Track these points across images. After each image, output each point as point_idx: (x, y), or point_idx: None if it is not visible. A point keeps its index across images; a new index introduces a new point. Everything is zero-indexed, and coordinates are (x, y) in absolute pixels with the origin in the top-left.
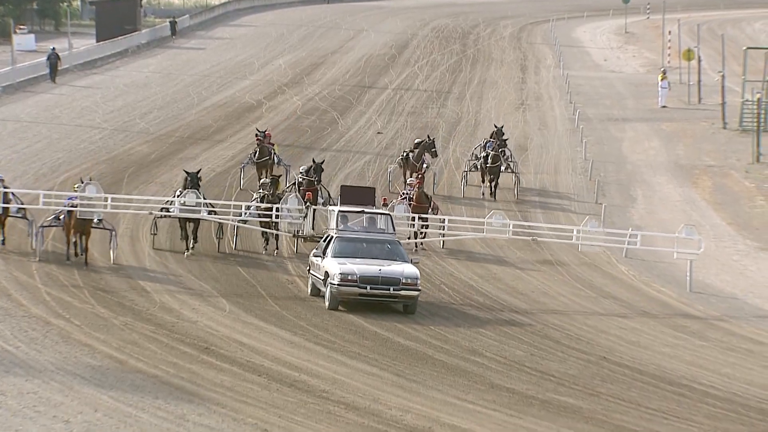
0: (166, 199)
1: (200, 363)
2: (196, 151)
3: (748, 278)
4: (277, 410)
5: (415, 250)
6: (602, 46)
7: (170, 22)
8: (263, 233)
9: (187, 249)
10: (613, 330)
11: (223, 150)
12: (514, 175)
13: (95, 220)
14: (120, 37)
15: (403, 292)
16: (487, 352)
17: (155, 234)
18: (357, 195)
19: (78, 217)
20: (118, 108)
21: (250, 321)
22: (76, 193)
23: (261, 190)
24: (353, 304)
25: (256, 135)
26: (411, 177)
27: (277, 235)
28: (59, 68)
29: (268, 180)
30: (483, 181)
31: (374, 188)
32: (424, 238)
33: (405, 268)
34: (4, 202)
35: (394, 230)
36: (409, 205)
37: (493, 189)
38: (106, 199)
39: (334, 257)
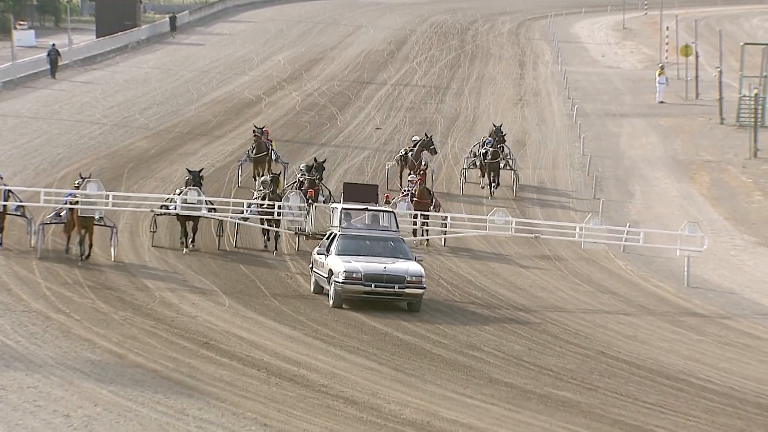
0: (167, 196)
1: (200, 357)
2: (196, 146)
3: (745, 273)
4: (276, 404)
5: (419, 244)
6: (600, 42)
7: (170, 18)
8: (264, 231)
9: (186, 246)
10: (610, 325)
11: (222, 145)
12: (513, 173)
13: (96, 218)
14: (120, 33)
15: (408, 290)
16: (486, 346)
17: (154, 231)
18: (360, 192)
19: (79, 214)
20: (117, 103)
21: (250, 316)
22: (76, 191)
23: (261, 188)
24: (354, 300)
25: (254, 132)
26: (410, 174)
27: (277, 234)
28: (59, 64)
29: (268, 178)
30: (482, 177)
31: (377, 185)
32: (424, 235)
33: (410, 266)
34: (3, 200)
35: (398, 227)
36: (412, 201)
37: (493, 186)
38: (107, 197)
39: (338, 255)
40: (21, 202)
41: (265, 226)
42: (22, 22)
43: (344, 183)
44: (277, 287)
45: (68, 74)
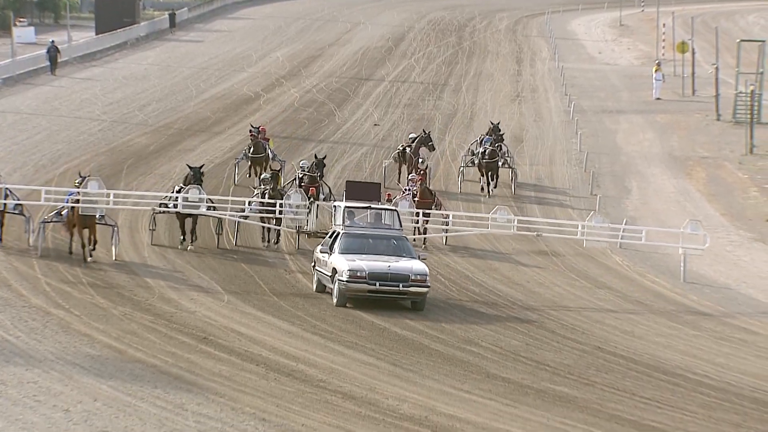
0: (168, 194)
1: (199, 353)
2: (195, 142)
3: (741, 269)
4: (274, 399)
5: (423, 247)
6: (597, 39)
7: (169, 14)
8: (263, 229)
9: (183, 243)
10: (607, 320)
11: (221, 142)
12: (511, 171)
13: (97, 216)
14: (119, 30)
15: (412, 289)
16: (483, 342)
17: (153, 229)
18: (362, 190)
19: (80, 213)
20: (117, 100)
21: (248, 311)
22: (77, 189)
23: (262, 186)
24: (357, 299)
25: (250, 131)
26: (411, 173)
27: (278, 232)
28: (59, 61)
29: (268, 175)
30: (482, 176)
31: (380, 184)
32: (426, 233)
33: (414, 265)
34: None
35: (401, 226)
36: (413, 201)
37: (491, 184)
38: (108, 195)
39: (342, 253)
40: (19, 200)
41: (265, 224)
42: (21, 19)
43: (347, 181)
44: (276, 283)
45: (68, 71)
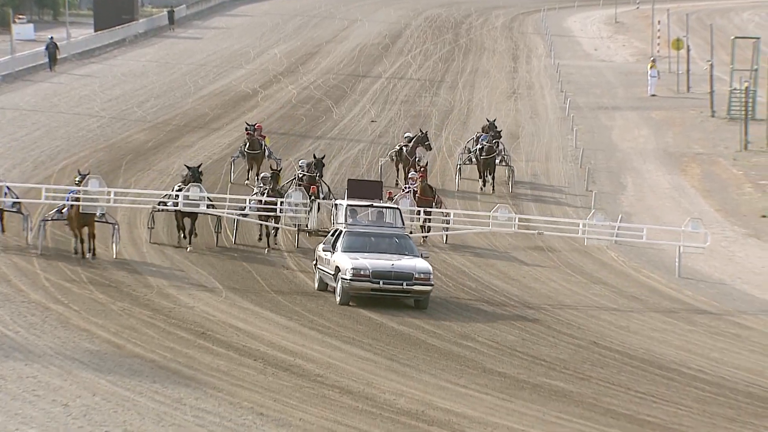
0: (167, 192)
1: (197, 348)
2: (193, 138)
3: (736, 264)
4: (272, 394)
5: (422, 243)
6: (592, 36)
7: (168, 11)
8: (261, 229)
9: (183, 241)
10: (603, 315)
11: (219, 138)
12: (508, 168)
13: (98, 214)
14: (118, 27)
15: (416, 287)
16: (479, 337)
17: (152, 228)
18: (364, 189)
19: (81, 211)
20: (115, 96)
21: (246, 307)
22: (78, 188)
23: (261, 185)
24: (358, 296)
25: (246, 129)
26: (410, 171)
27: (276, 230)
28: (58, 57)
29: (268, 174)
30: (480, 175)
31: (381, 182)
32: (428, 231)
33: (417, 263)
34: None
35: (403, 224)
36: (414, 198)
37: (490, 182)
38: (109, 193)
39: (345, 252)
40: (18, 198)
41: (264, 223)
42: (20, 16)
43: (348, 179)
44: (274, 279)
45: (67, 67)
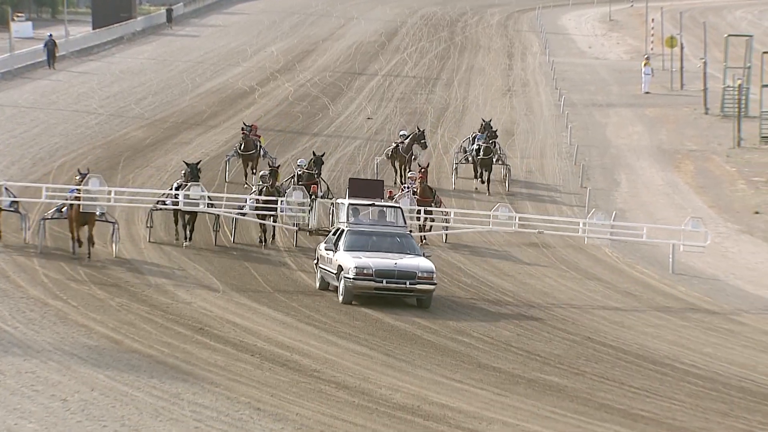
0: (167, 192)
1: (194, 343)
2: (190, 136)
3: (729, 260)
4: (269, 389)
5: (422, 243)
6: (587, 34)
7: (167, 10)
8: (260, 227)
9: (177, 238)
10: (597, 311)
11: (216, 135)
12: (504, 167)
13: (98, 213)
14: (116, 25)
15: (419, 286)
16: (475, 332)
17: (151, 227)
18: (365, 188)
19: (81, 210)
20: (113, 94)
21: (244, 302)
22: (78, 187)
23: (260, 183)
24: (362, 296)
25: (242, 129)
26: (408, 170)
27: (273, 229)
28: (56, 55)
29: (267, 172)
30: (475, 175)
31: (383, 181)
32: (429, 231)
33: (420, 262)
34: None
35: (405, 223)
36: (414, 198)
37: (486, 181)
38: (109, 192)
39: (347, 251)
40: (15, 197)
41: (261, 221)
42: (19, 14)
43: (349, 178)
44: (271, 276)
45: (65, 65)
